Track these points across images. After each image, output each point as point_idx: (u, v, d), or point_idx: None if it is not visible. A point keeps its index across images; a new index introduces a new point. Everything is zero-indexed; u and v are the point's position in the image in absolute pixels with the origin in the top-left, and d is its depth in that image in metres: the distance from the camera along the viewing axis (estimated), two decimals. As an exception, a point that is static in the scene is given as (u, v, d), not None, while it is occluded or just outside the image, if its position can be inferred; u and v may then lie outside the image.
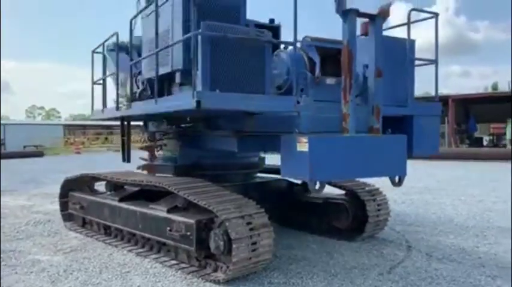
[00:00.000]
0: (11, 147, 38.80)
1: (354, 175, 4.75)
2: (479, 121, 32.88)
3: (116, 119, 6.94)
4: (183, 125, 6.25)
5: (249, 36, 4.35)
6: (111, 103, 7.08)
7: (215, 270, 4.82)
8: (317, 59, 4.89)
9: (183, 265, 5.08)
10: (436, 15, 5.30)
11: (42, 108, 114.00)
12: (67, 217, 7.40)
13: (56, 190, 11.05)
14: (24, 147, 39.03)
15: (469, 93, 33.91)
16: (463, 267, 5.15)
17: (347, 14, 4.42)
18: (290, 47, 5.03)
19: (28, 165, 22.80)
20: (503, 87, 51.35)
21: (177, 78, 4.82)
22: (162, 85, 5.43)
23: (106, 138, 52.47)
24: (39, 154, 32.01)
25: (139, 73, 6.12)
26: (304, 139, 4.10)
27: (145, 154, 8.41)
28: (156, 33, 4.87)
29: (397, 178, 4.95)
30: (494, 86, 61.69)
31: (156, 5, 4.97)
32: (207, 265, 4.94)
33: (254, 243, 4.54)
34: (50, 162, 25.70)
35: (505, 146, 29.07)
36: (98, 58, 7.26)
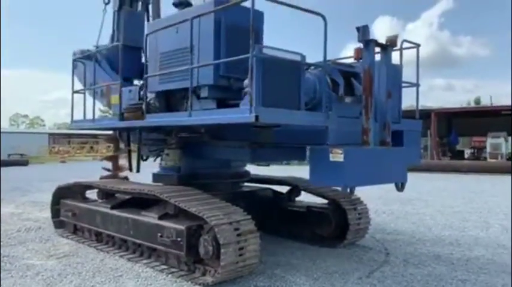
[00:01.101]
0: (-5, 155, 38.41)
1: (372, 182, 5.15)
2: (461, 134, 33.70)
3: (113, 129, 7.22)
4: (183, 135, 6.47)
5: (292, 58, 4.80)
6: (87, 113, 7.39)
7: (204, 274, 5.08)
8: (341, 81, 5.31)
9: (173, 269, 5.33)
10: (417, 45, 5.70)
11: (26, 116, 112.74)
12: (58, 223, 7.58)
13: (43, 198, 11.23)
14: (9, 155, 38.67)
15: (451, 107, 34.75)
16: (437, 271, 5.51)
17: (368, 44, 4.92)
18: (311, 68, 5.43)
19: (13, 174, 22.71)
20: (486, 102, 52.67)
21: (204, 92, 5.15)
22: (168, 98, 5.83)
23: (91, 148, 52.18)
24: (24, 163, 31.78)
25: (142, 86, 6.39)
26: (339, 151, 4.52)
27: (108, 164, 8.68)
28: (191, 50, 5.04)
29: (400, 185, 5.43)
30: (477, 101, 63.06)
31: (192, 24, 5.12)
32: (196, 269, 5.20)
33: (241, 248, 4.83)
34: (35, 171, 25.63)
35: (485, 159, 29.83)
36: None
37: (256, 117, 4.16)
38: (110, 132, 8.58)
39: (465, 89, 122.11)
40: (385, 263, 5.86)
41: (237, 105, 4.85)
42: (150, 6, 8.20)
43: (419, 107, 6.47)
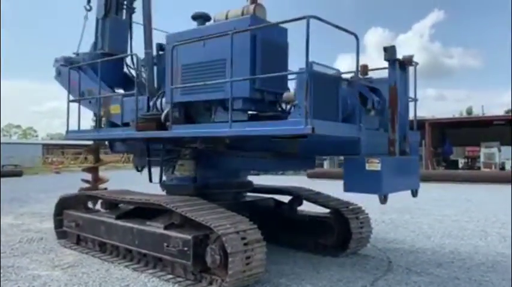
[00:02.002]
0: (-13, 166, 38.08)
1: (398, 189, 5.33)
2: (455, 144, 33.98)
3: (129, 139, 7.03)
4: (193, 146, 6.48)
5: (336, 74, 5.14)
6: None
7: (210, 283, 5.14)
8: (370, 96, 5.53)
9: (180, 279, 5.38)
10: (416, 64, 5.81)
11: (18, 127, 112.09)
12: (61, 234, 7.59)
13: (42, 209, 11.21)
14: (3, 166, 38.37)
15: (445, 117, 35.06)
16: (439, 280, 5.59)
17: (394, 63, 5.26)
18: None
19: (8, 185, 22.55)
20: (477, 112, 53.17)
21: (237, 104, 5.23)
22: (188, 110, 5.88)
23: (85, 158, 51.93)
24: (18, 174, 31.53)
25: (159, 96, 6.44)
26: (376, 160, 4.78)
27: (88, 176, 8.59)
28: (231, 63, 5.10)
29: (414, 191, 5.76)
30: (469, 111, 63.55)
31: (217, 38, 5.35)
32: (202, 279, 5.25)
33: (248, 257, 4.89)
34: (30, 182, 25.47)
35: (479, 168, 30.06)
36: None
37: (313, 129, 4.35)
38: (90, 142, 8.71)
39: (457, 99, 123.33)
40: (388, 272, 5.94)
41: (272, 117, 5.23)
42: (141, 15, 7.85)
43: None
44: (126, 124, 6.75)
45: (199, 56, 5.58)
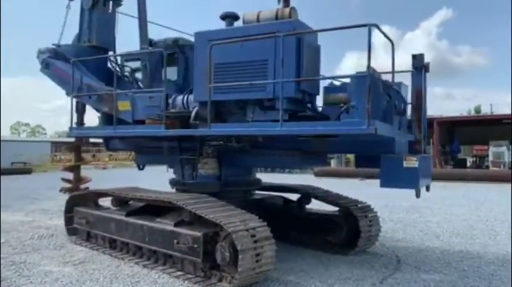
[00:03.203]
0: (-9, 164, 38.43)
1: (423, 184, 5.55)
2: (463, 143, 33.77)
3: (157, 138, 6.74)
4: (215, 144, 6.62)
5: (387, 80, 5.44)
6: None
7: (220, 280, 5.18)
8: (395, 97, 5.66)
9: (189, 276, 5.42)
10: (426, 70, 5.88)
11: (27, 125, 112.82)
12: (72, 231, 7.67)
13: (52, 206, 11.31)
14: (12, 164, 38.72)
15: (453, 115, 34.85)
16: (449, 278, 5.59)
17: (421, 69, 5.60)
18: None
19: (18, 182, 22.77)
20: (486, 110, 52.85)
21: (281, 104, 5.23)
22: (218, 108, 5.84)
23: (93, 156, 52.24)
24: (27, 171, 31.80)
25: (186, 93, 6.42)
26: (414, 158, 5.14)
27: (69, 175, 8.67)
28: (282, 64, 5.19)
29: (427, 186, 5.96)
30: (477, 109, 63.17)
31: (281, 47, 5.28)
32: (212, 276, 5.29)
33: (258, 254, 4.92)
34: (39, 179, 25.65)
35: (487, 167, 29.87)
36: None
37: (376, 129, 4.61)
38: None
39: (465, 97, 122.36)
40: (397, 270, 5.95)
41: (310, 117, 5.51)
42: (137, 10, 7.75)
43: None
44: (138, 121, 6.69)
45: (237, 55, 5.55)
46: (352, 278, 5.53)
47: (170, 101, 6.49)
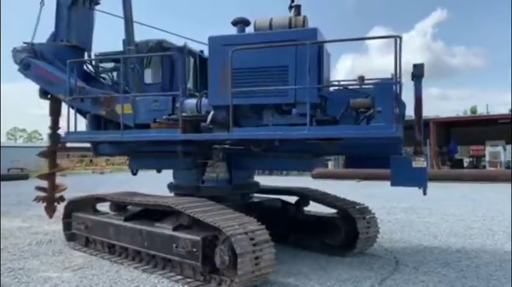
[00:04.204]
0: (-7, 170, 38.28)
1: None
2: (460, 143, 33.88)
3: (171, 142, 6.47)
4: (225, 147, 6.70)
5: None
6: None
7: (219, 284, 5.19)
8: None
9: (189, 280, 5.43)
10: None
11: (23, 130, 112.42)
12: (70, 236, 7.65)
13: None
14: (9, 170, 38.57)
15: (449, 116, 34.96)
16: (447, 279, 5.62)
17: (419, 77, 5.76)
18: None
19: (15, 188, 22.68)
20: (482, 110, 53.01)
21: (303, 108, 5.40)
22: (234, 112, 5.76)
23: (91, 161, 52.09)
24: (24, 177, 31.70)
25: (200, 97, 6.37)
26: (422, 158, 5.57)
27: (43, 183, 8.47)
28: (309, 70, 5.33)
29: None
30: (473, 110, 63.37)
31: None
32: (211, 279, 5.30)
33: (257, 258, 4.93)
34: (36, 185, 25.56)
35: (484, 167, 29.98)
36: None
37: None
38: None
39: (460, 98, 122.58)
40: (395, 271, 5.97)
41: (327, 121, 5.68)
42: (122, 11, 7.35)
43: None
44: (140, 126, 6.54)
45: (256, 61, 5.64)
46: (351, 280, 5.54)
47: (178, 104, 6.41)
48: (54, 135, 8.69)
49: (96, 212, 7.56)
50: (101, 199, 7.31)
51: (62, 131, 8.39)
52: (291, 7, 6.06)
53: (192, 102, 6.40)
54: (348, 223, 6.71)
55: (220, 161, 6.62)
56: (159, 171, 8.11)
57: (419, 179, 5.57)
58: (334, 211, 7.19)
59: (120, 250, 6.60)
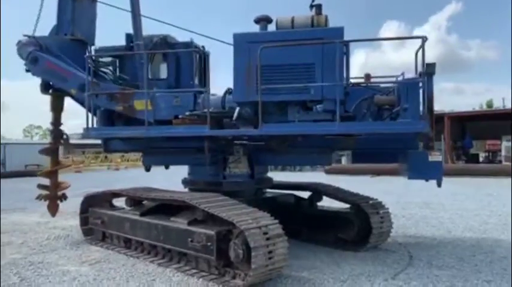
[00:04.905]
0: (11, 166, 38.98)
1: None
2: (475, 138, 33.49)
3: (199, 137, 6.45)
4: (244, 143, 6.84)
5: None
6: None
7: (234, 277, 5.26)
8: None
9: (204, 273, 5.51)
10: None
11: (39, 127, 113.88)
12: (87, 231, 7.80)
13: (66, 207, 11.41)
14: (26, 166, 39.22)
15: (464, 110, 34.56)
16: (461, 273, 5.61)
17: (431, 76, 5.77)
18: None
19: (32, 184, 23.06)
20: (498, 105, 52.24)
21: (330, 105, 5.64)
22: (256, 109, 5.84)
23: (106, 157, 52.65)
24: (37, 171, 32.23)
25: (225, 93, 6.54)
26: (438, 153, 5.90)
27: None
28: (346, 66, 5.74)
29: None
30: (489, 104, 62.50)
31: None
32: (226, 273, 5.37)
33: (270, 252, 4.99)
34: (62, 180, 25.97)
35: (500, 162, 29.61)
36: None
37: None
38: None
39: (475, 92, 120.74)
40: (409, 266, 5.98)
41: (347, 117, 5.83)
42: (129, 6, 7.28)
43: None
44: (161, 122, 6.49)
45: (282, 58, 5.74)
46: (365, 275, 5.57)
47: (200, 100, 6.50)
48: (56, 131, 8.37)
49: (112, 207, 7.69)
50: (117, 194, 7.44)
51: (64, 128, 8.37)
52: (311, 6, 6.18)
53: (213, 98, 6.47)
54: (361, 217, 6.73)
55: (242, 156, 6.70)
56: (167, 167, 8.18)
57: (435, 172, 5.80)
58: (347, 206, 7.21)
59: (136, 244, 6.72)
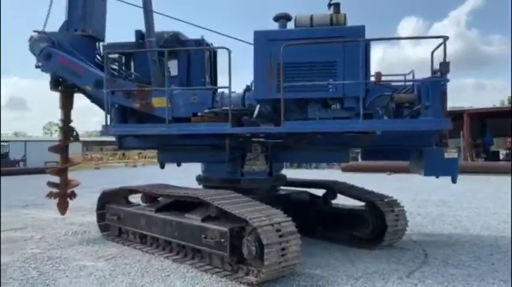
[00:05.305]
0: (32, 163, 39.76)
1: None
2: (496, 135, 32.87)
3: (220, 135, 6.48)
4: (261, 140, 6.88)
5: None
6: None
7: (247, 274, 5.28)
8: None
9: (217, 270, 5.55)
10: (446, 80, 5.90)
11: (58, 124, 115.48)
12: (103, 227, 7.92)
13: (84, 203, 11.63)
14: (46, 163, 39.94)
15: (484, 107, 33.94)
16: (478, 272, 5.53)
17: (446, 74, 5.72)
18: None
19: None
20: (520, 101, 51.11)
21: (351, 103, 5.78)
22: (275, 106, 5.94)
23: (123, 154, 53.27)
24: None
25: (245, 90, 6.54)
26: (453, 149, 6.15)
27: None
28: (365, 64, 5.68)
29: None
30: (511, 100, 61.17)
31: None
32: (239, 269, 5.40)
33: (283, 249, 5.00)
34: (72, 177, 26.40)
35: (521, 159, 29.02)
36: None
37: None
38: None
39: (496, 88, 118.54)
40: (424, 264, 5.92)
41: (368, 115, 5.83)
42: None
43: (451, 108, 6.89)
44: (179, 119, 6.43)
45: (304, 56, 5.78)
46: (379, 273, 5.54)
47: (218, 98, 6.53)
48: (65, 129, 8.25)
49: (129, 203, 7.78)
50: (133, 190, 7.53)
51: (73, 125, 8.28)
52: (330, 5, 6.22)
53: (233, 95, 6.43)
54: (376, 215, 6.68)
55: (261, 154, 6.73)
56: (179, 164, 8.18)
57: (451, 169, 5.94)
58: (362, 203, 7.17)
59: (151, 240, 6.80)
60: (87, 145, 58.56)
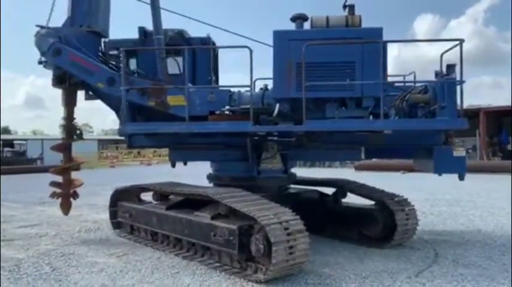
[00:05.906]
0: (49, 161, 40.39)
1: None
2: (512, 134, 32.34)
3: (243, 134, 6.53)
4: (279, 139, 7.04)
5: None
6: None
7: (255, 271, 5.32)
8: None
9: (226, 267, 5.60)
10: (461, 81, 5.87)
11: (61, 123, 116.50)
12: (116, 224, 8.04)
13: (98, 201, 11.84)
14: (61, 161, 40.50)
15: (501, 105, 33.41)
16: (488, 272, 5.49)
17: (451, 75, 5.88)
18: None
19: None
20: (538, 99, 50.12)
21: (369, 102, 6.04)
22: (293, 105, 6.09)
23: (138, 153, 53.72)
24: (76, 168, 33.22)
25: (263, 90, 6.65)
26: (462, 148, 6.53)
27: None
28: (378, 67, 5.71)
29: None
30: (529, 98, 60.14)
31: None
32: (247, 267, 5.44)
33: (291, 247, 5.03)
34: (87, 175, 26.70)
35: (539, 159, 28.50)
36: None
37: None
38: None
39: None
40: (434, 263, 5.89)
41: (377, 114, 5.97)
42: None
43: (467, 106, 6.93)
44: (195, 118, 6.38)
45: (323, 56, 5.87)
46: (387, 271, 5.53)
47: (236, 97, 6.61)
48: (69, 127, 7.95)
49: (140, 201, 7.89)
50: (145, 188, 7.63)
51: (77, 123, 8.05)
52: (345, 6, 6.33)
53: (249, 94, 6.46)
54: (386, 214, 6.66)
55: (277, 152, 6.80)
56: (185, 163, 8.14)
57: (459, 167, 6.19)
58: (372, 202, 7.16)
59: (162, 237, 6.89)
60: (103, 144, 59.26)
